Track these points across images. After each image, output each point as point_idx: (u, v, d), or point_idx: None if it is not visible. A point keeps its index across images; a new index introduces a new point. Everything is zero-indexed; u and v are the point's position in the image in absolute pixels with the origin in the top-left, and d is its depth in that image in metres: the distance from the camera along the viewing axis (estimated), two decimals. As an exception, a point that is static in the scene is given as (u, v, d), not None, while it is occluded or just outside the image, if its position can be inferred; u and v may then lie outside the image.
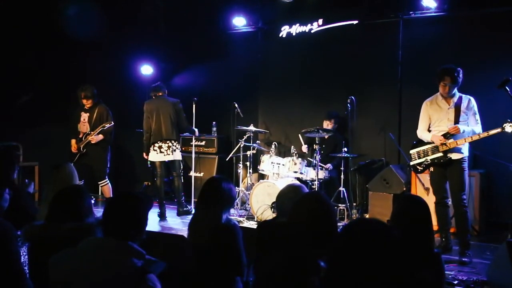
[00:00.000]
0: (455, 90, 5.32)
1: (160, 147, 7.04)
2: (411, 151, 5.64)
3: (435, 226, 5.24)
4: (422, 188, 6.43)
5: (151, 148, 7.09)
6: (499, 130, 5.01)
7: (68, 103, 7.67)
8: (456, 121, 5.27)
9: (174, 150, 7.09)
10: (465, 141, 5.23)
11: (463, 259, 5.11)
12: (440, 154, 5.31)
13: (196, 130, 7.49)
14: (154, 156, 7.08)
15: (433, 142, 5.38)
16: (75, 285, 1.98)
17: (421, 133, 5.57)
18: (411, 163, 5.64)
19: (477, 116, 5.32)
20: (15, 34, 8.03)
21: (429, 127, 5.52)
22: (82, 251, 2.06)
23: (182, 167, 7.37)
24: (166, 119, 7.03)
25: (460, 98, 5.34)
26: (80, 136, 7.19)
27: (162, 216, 7.09)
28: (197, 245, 3.19)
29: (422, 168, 5.53)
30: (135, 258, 2.00)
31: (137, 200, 2.24)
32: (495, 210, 6.68)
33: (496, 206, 6.68)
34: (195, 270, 3.16)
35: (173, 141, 7.08)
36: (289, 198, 3.12)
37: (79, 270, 1.99)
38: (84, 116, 7.22)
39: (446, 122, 5.33)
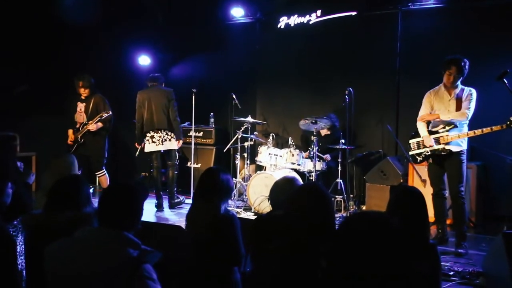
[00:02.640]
0: (459, 82, 5.31)
1: (152, 137, 7.00)
2: (411, 141, 5.65)
3: (431, 218, 5.26)
4: (419, 180, 6.44)
5: (145, 138, 7.06)
6: (504, 126, 4.99)
7: (66, 93, 7.64)
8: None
9: (169, 140, 7.05)
10: (467, 135, 5.23)
11: (459, 250, 5.14)
12: (441, 146, 5.31)
13: (179, 126, 7.11)
14: (147, 146, 7.04)
15: (433, 133, 5.38)
16: (70, 275, 1.98)
17: (418, 123, 5.58)
18: (410, 153, 5.64)
19: (471, 104, 5.26)
20: (11, 23, 7.98)
21: None
22: (78, 240, 2.06)
23: (178, 157, 7.34)
24: (158, 108, 6.98)
25: (462, 90, 5.34)
26: (77, 126, 7.17)
27: (159, 207, 7.10)
28: (195, 236, 3.20)
29: (421, 159, 5.54)
30: (130, 248, 2.01)
31: (132, 190, 2.24)
32: (491, 202, 6.70)
33: (492, 198, 6.70)
34: (193, 260, 3.17)
35: (166, 131, 7.03)
36: (283, 191, 3.12)
37: (75, 260, 1.99)
38: (81, 106, 7.20)
39: (446, 114, 5.33)
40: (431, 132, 5.44)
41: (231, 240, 3.09)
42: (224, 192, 3.25)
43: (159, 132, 7.00)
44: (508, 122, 4.97)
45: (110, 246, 2.01)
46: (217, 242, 3.06)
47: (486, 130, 5.10)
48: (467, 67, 5.25)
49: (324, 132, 7.55)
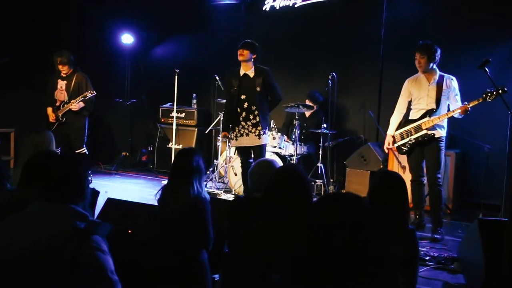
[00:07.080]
0: (434, 67, 5.32)
1: None
2: (395, 133, 5.65)
3: (410, 204, 5.33)
4: (398, 166, 6.51)
5: None
6: (480, 100, 5.04)
7: (47, 69, 7.49)
8: (438, 98, 5.31)
9: None
10: (447, 116, 5.25)
11: (435, 236, 5.22)
12: (424, 132, 5.34)
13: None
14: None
15: (414, 121, 5.42)
16: (17, 250, 1.95)
17: (394, 115, 5.65)
18: (395, 145, 5.62)
19: (458, 97, 5.34)
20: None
21: (410, 104, 5.58)
22: (25, 216, 2.03)
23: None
24: None
25: (442, 76, 5.36)
26: (58, 104, 7.04)
27: None
28: (166, 217, 3.20)
29: (406, 149, 5.52)
30: (78, 220, 1.99)
31: (73, 162, 2.19)
32: (468, 189, 6.81)
33: (469, 186, 6.80)
34: (161, 240, 3.18)
35: None
36: (261, 174, 3.13)
37: (21, 236, 1.97)
38: (61, 84, 7.04)
39: (426, 100, 5.36)
40: (412, 121, 5.48)
41: (200, 223, 3.10)
42: (197, 174, 3.24)
43: None
44: (484, 95, 5.03)
45: (57, 219, 1.99)
46: (187, 224, 3.07)
47: (463, 107, 5.12)
48: (434, 51, 5.24)
49: (308, 113, 7.54)
